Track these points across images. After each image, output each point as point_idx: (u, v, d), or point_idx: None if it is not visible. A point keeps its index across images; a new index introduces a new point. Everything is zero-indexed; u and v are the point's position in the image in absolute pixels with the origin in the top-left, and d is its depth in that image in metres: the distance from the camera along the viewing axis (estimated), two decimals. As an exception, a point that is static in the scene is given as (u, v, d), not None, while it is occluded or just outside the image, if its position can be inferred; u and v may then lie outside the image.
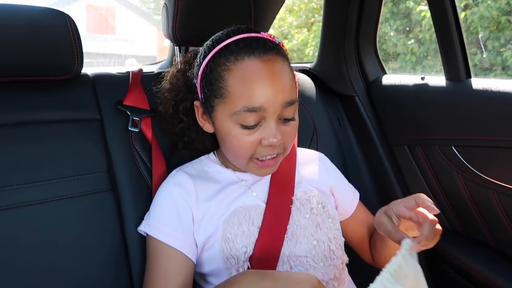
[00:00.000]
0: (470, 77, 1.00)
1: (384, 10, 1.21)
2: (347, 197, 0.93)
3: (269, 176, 0.84)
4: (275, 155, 0.76)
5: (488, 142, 0.94)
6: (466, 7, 3.52)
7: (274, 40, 0.76)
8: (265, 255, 0.75)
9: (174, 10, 0.99)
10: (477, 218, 0.99)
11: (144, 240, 0.85)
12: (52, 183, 0.84)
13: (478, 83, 0.96)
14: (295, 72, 0.80)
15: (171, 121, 0.87)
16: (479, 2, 3.38)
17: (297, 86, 0.78)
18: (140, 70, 1.02)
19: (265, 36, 0.75)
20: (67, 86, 0.91)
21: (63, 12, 0.84)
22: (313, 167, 0.91)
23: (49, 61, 0.85)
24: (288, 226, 0.78)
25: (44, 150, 0.85)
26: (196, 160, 0.88)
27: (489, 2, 3.31)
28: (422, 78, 1.08)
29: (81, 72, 0.92)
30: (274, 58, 0.72)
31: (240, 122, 0.72)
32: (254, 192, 0.82)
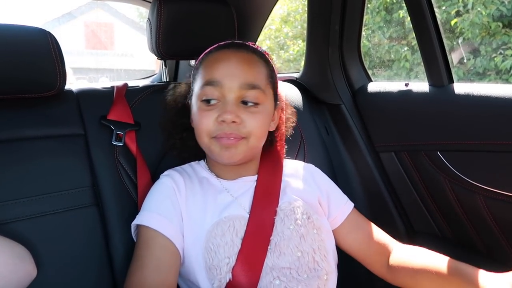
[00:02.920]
0: (453, 82, 1.00)
1: (377, 19, 1.22)
2: (338, 204, 0.91)
3: (253, 186, 0.84)
4: (234, 138, 0.76)
5: (473, 146, 0.95)
6: (457, 14, 3.56)
7: (254, 45, 0.83)
8: (248, 266, 0.74)
9: (157, 24, 1.01)
10: (466, 223, 0.99)
11: (128, 254, 0.85)
12: (36, 199, 0.84)
13: (460, 88, 0.97)
14: (280, 82, 0.85)
15: (174, 131, 0.90)
16: (469, 9, 3.41)
17: (270, 85, 0.82)
18: (125, 84, 1.03)
19: (246, 43, 0.82)
20: (51, 102, 0.92)
21: (44, 30, 0.85)
22: (299, 178, 0.90)
23: (31, 78, 0.86)
24: (271, 237, 0.78)
25: (28, 166, 0.85)
26: (187, 165, 0.89)
27: (479, 9, 3.34)
28: (406, 85, 1.09)
29: (64, 88, 0.92)
30: (246, 52, 0.81)
31: (202, 97, 0.78)
32: (240, 202, 0.81)
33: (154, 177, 0.93)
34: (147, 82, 1.94)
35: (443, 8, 3.60)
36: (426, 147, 1.03)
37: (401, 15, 3.88)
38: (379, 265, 0.88)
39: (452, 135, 0.97)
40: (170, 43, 1.03)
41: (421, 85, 1.05)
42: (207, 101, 0.77)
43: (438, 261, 0.78)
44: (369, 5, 4.06)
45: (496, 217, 0.91)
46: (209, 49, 0.84)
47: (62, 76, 0.88)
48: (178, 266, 0.76)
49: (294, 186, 0.87)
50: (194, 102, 0.81)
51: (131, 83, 1.05)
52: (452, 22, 3.43)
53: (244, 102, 0.77)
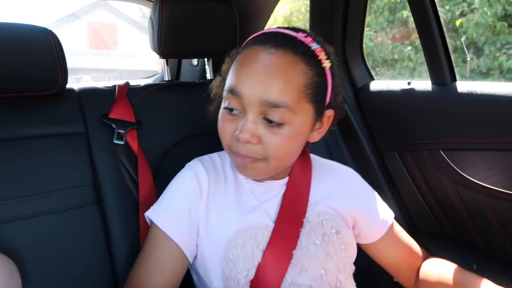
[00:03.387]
0: (456, 81, 0.99)
1: (380, 20, 1.21)
2: (376, 218, 0.82)
3: (282, 191, 0.77)
4: (250, 158, 0.68)
5: (476, 145, 0.94)
6: (462, 14, 3.54)
7: (302, 39, 0.68)
8: (267, 281, 0.70)
9: (159, 23, 1.00)
10: (469, 223, 0.98)
11: (130, 253, 0.85)
12: (37, 198, 0.84)
13: (463, 86, 0.96)
14: None
15: None
16: (474, 8, 3.40)
17: (307, 99, 0.67)
18: (127, 83, 1.03)
19: (294, 35, 0.68)
20: (53, 101, 0.92)
21: (46, 29, 0.85)
22: (334, 184, 0.82)
23: (33, 77, 0.86)
24: (294, 252, 0.71)
25: (30, 165, 0.85)
26: (218, 154, 0.82)
27: (484, 8, 3.32)
28: (409, 83, 1.08)
29: (66, 87, 0.92)
30: (282, 53, 0.65)
31: (225, 104, 0.69)
32: (266, 208, 0.75)
33: (156, 176, 0.93)
34: (149, 81, 1.94)
35: (447, 7, 3.59)
36: (429, 146, 1.02)
37: (404, 15, 3.86)
38: (408, 278, 0.85)
39: (455, 134, 0.97)
40: (172, 42, 1.03)
41: (424, 84, 1.04)
42: (230, 110, 0.68)
43: (457, 275, 0.76)
44: (372, 5, 4.05)
45: (500, 217, 0.90)
46: (249, 39, 0.72)
47: (63, 74, 0.88)
48: (183, 271, 0.74)
49: (326, 193, 0.79)
50: (222, 103, 0.71)
51: (133, 82, 1.05)
52: (457, 23, 3.42)
53: (269, 121, 0.65)
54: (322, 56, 0.68)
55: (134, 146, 0.92)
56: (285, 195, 0.76)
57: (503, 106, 0.89)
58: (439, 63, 0.98)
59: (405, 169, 1.10)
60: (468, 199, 0.96)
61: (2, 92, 0.86)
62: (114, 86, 1.01)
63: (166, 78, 1.17)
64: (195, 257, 0.75)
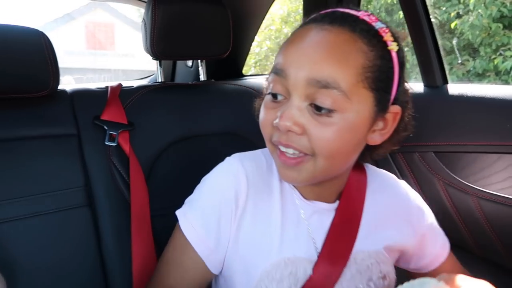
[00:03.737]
0: (447, 83, 1.00)
1: None
2: (431, 251, 0.73)
3: (330, 217, 0.65)
4: (293, 155, 0.57)
5: (467, 147, 0.94)
6: (458, 16, 3.56)
7: (364, 18, 0.57)
8: None
9: (152, 24, 1.00)
10: (459, 224, 0.98)
11: (120, 255, 0.85)
12: (28, 199, 0.84)
13: (454, 88, 0.97)
14: None
15: None
16: (469, 10, 3.42)
17: (365, 83, 0.55)
18: (120, 84, 1.03)
19: (355, 13, 0.58)
20: (45, 102, 0.92)
21: (37, 30, 0.85)
22: (391, 209, 0.69)
23: (24, 78, 0.86)
24: None
25: (21, 166, 0.85)
26: (260, 153, 0.68)
27: (479, 10, 3.34)
28: (401, 86, 1.08)
29: (57, 88, 0.92)
30: (338, 30, 0.55)
31: (269, 89, 0.59)
32: (313, 236, 0.64)
33: (148, 178, 0.93)
34: (144, 82, 1.94)
35: (443, 8, 3.61)
36: (420, 148, 1.03)
37: (400, 17, 3.88)
38: None
39: (447, 136, 0.97)
40: (164, 43, 1.03)
41: (415, 86, 1.05)
42: (274, 96, 0.58)
43: None
44: (369, 6, 4.06)
45: (489, 218, 0.91)
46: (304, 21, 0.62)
47: (55, 76, 0.88)
48: (207, 281, 0.67)
49: (379, 221, 0.67)
50: (266, 90, 0.62)
51: (127, 84, 1.05)
52: (452, 25, 3.44)
53: (318, 108, 0.54)
54: (387, 37, 0.57)
55: (126, 147, 0.92)
56: (332, 225, 0.64)
57: (494, 108, 0.89)
58: (431, 65, 0.99)
59: (397, 171, 1.10)
60: (458, 200, 0.96)
61: (-6, 94, 0.86)
62: (107, 87, 1.01)
63: (159, 80, 1.17)
64: (221, 271, 0.67)
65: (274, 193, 0.65)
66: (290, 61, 0.56)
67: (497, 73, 3.35)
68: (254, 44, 1.48)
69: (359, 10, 0.59)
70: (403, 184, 0.74)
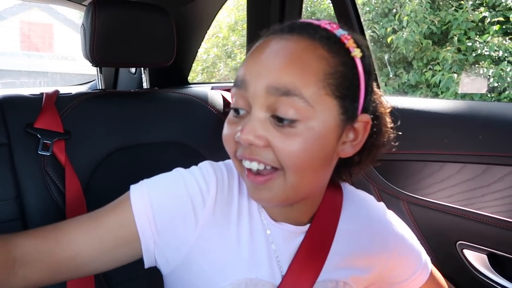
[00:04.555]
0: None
1: None
2: (408, 274, 0.70)
3: (299, 240, 0.63)
4: (260, 168, 0.54)
5: (398, 155, 1.01)
6: (393, 31, 3.82)
7: (325, 26, 0.56)
8: None
9: (91, 30, 0.97)
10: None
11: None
12: None
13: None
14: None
15: None
16: (403, 27, 3.68)
17: (328, 90, 0.53)
18: (56, 91, 0.98)
19: (316, 22, 0.57)
20: (-29, 109, 0.86)
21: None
22: (365, 235, 0.66)
23: None
24: None
25: None
26: (234, 172, 0.64)
27: (412, 27, 3.61)
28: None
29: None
30: (297, 38, 0.54)
31: (232, 103, 0.57)
32: (279, 260, 0.62)
33: (87, 189, 0.89)
34: (83, 89, 1.86)
35: (381, 23, 3.85)
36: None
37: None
38: None
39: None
40: (105, 49, 1.00)
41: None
42: (236, 111, 0.56)
43: None
44: (313, 17, 4.21)
45: (418, 221, 0.98)
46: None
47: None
48: (126, 262, 0.60)
49: (349, 256, 0.65)
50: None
51: (64, 90, 1.00)
52: (389, 39, 3.69)
53: (279, 119, 0.52)
54: (350, 43, 0.55)
55: (62, 157, 0.88)
56: (300, 249, 0.61)
57: (422, 119, 0.97)
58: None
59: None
60: (390, 205, 1.02)
61: None
62: (42, 94, 0.96)
63: (99, 87, 1.14)
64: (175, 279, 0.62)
65: (242, 211, 0.62)
66: (250, 71, 0.54)
67: (428, 85, 3.64)
68: (201, 51, 1.49)
69: (320, 20, 0.59)
70: (381, 209, 0.71)
